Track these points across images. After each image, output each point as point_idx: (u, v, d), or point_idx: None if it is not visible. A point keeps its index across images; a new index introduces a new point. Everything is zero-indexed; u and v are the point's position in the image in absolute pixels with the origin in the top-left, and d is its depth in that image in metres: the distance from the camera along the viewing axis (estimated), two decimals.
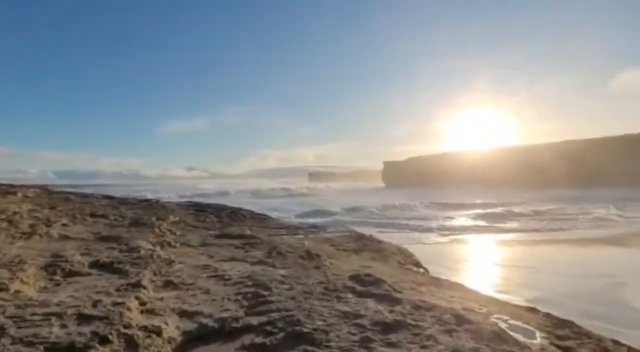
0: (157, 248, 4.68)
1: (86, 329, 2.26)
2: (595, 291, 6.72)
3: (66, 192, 11.59)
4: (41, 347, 2.06)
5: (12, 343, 2.10)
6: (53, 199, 9.24)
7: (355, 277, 3.46)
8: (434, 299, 2.97)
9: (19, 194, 8.62)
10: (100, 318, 2.41)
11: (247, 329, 2.42)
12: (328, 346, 2.12)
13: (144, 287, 3.10)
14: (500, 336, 2.25)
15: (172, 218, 7.26)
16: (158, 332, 2.30)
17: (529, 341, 2.40)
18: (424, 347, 2.10)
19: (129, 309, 2.56)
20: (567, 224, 17.18)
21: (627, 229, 15.39)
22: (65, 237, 5.29)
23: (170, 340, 2.29)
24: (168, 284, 3.32)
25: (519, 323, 2.73)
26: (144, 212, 8.09)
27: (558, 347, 2.38)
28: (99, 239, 5.32)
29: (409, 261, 5.37)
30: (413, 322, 2.40)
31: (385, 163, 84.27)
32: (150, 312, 2.66)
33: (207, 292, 3.13)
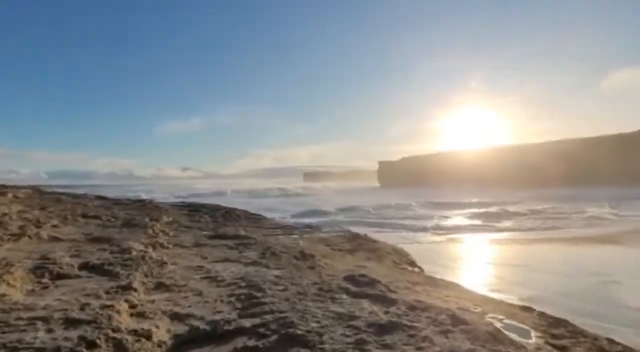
0: (149, 249, 4.62)
1: (73, 334, 2.20)
2: (589, 289, 6.75)
3: (58, 192, 11.47)
4: None
5: None
6: (44, 199, 9.13)
7: (349, 278, 3.42)
8: (429, 299, 2.94)
9: (9, 195, 8.50)
10: (88, 322, 2.35)
11: (240, 331, 2.37)
12: (322, 349, 2.08)
13: (135, 290, 3.04)
14: (495, 336, 2.22)
15: (165, 219, 7.18)
16: (148, 336, 2.25)
17: (525, 340, 2.39)
18: (419, 349, 2.07)
19: (118, 312, 2.51)
20: (561, 222, 17.28)
21: (622, 227, 15.49)
22: (55, 239, 5.20)
23: (160, 344, 2.23)
24: (159, 286, 3.26)
25: (514, 322, 2.71)
26: (137, 212, 8.01)
27: (553, 346, 2.36)
28: (90, 240, 5.24)
29: (404, 261, 5.35)
30: (408, 323, 2.36)
31: (380, 163, 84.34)
32: (141, 315, 2.60)
33: (200, 294, 3.08)
